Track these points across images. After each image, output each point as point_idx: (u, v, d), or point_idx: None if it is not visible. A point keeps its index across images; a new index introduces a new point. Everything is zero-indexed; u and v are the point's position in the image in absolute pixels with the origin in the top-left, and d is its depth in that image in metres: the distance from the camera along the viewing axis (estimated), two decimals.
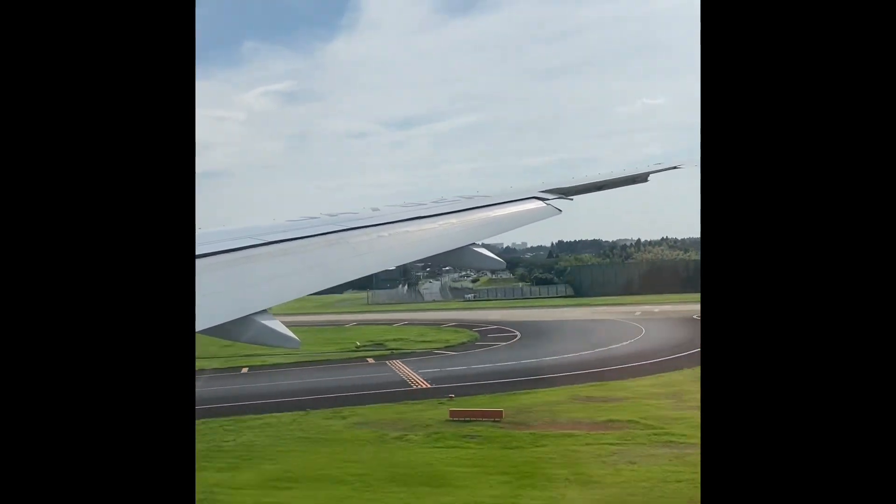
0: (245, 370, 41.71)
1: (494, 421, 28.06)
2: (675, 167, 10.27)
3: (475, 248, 6.41)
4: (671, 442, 24.77)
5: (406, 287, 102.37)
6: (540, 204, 8.35)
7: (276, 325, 3.74)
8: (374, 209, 6.53)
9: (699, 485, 1.54)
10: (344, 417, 29.93)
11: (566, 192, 8.87)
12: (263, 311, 3.77)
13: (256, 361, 42.35)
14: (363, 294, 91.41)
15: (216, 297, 3.74)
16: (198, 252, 4.06)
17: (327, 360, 44.85)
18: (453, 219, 6.80)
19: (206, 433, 27.28)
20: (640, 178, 9.93)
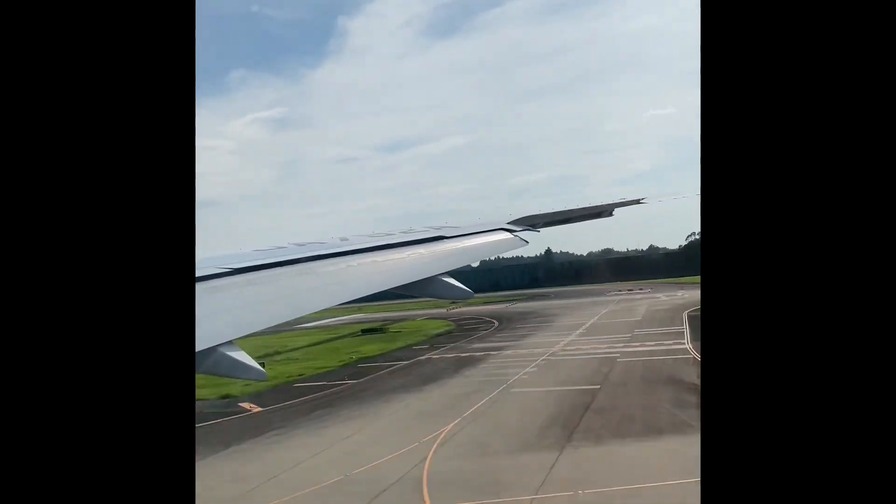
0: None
1: None
2: (638, 201, 10.48)
3: (443, 279, 6.42)
4: None
5: None
6: (507, 235, 8.43)
7: (242, 356, 3.67)
8: (343, 238, 6.50)
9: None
10: None
11: (533, 224, 8.98)
12: (228, 343, 3.70)
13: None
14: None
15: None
16: None
17: None
18: (422, 249, 6.81)
19: None
20: (606, 212, 10.11)
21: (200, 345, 3.58)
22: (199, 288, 4.20)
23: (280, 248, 5.60)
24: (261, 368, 3.75)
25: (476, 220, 8.95)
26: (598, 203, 10.25)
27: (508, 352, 45.08)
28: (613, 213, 10.36)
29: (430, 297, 6.49)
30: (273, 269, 4.82)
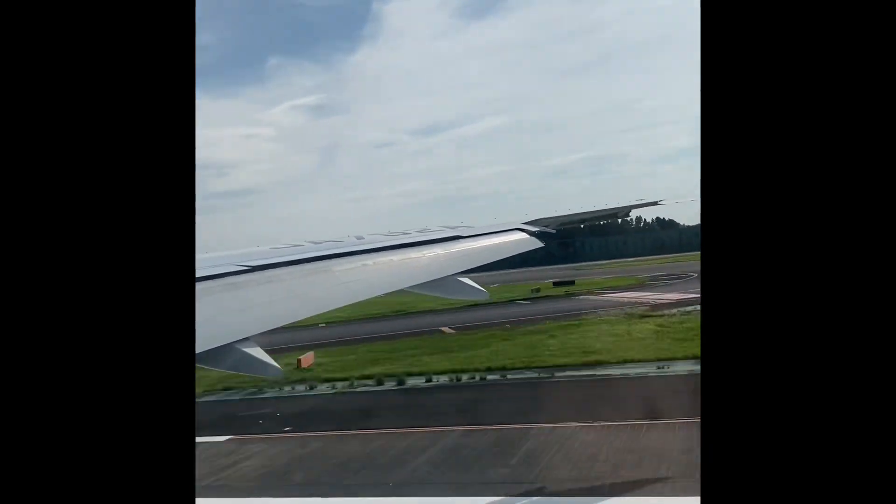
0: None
1: None
2: (655, 203, 10.42)
3: (459, 279, 6.42)
4: None
5: None
6: (523, 235, 8.41)
7: (258, 352, 3.70)
8: (359, 237, 6.52)
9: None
10: None
11: (548, 225, 8.95)
12: (245, 339, 3.72)
13: None
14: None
15: (197, 325, 3.69)
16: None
17: None
18: (438, 249, 6.81)
19: None
20: (623, 213, 10.06)
21: (217, 341, 3.61)
22: (217, 285, 4.23)
23: (296, 246, 5.64)
24: (276, 365, 3.78)
25: (494, 221, 8.93)
26: (618, 205, 10.20)
27: None
28: (630, 214, 10.30)
29: (446, 296, 6.49)
30: (289, 268, 4.85)
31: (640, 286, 51.49)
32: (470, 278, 6.55)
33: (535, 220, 8.85)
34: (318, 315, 4.49)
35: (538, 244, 8.48)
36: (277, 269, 4.72)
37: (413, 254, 6.44)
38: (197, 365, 3.63)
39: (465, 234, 7.46)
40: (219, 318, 3.88)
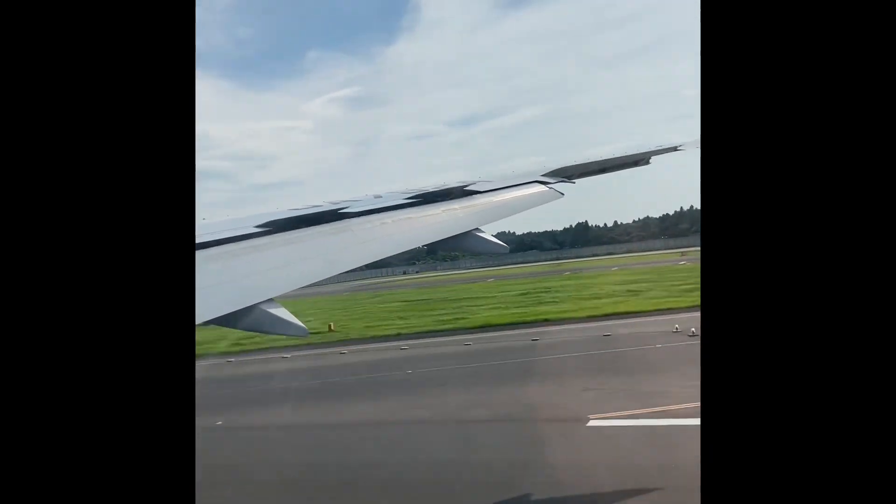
0: None
1: None
2: (675, 148, 10.23)
3: (478, 234, 6.42)
4: None
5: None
6: (542, 188, 8.34)
7: (283, 313, 3.76)
8: (377, 195, 6.53)
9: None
10: None
11: (568, 175, 8.85)
12: (269, 300, 3.79)
13: None
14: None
15: (221, 288, 3.75)
16: (201, 241, 4.07)
17: None
18: (455, 204, 6.79)
19: None
20: (643, 160, 9.90)
21: (241, 302, 3.68)
22: (238, 247, 4.29)
23: (315, 206, 5.67)
24: (301, 324, 3.84)
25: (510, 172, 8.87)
26: (635, 152, 10.03)
27: None
28: (651, 160, 10.14)
29: (466, 251, 6.50)
30: (309, 228, 4.89)
31: None
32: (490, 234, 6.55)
33: (554, 171, 8.76)
34: (339, 274, 4.54)
35: (558, 195, 8.40)
36: (297, 230, 4.76)
37: (431, 211, 6.43)
38: (225, 326, 3.71)
39: (483, 189, 7.42)
40: (242, 280, 3.94)
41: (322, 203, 5.87)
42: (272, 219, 4.76)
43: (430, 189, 6.84)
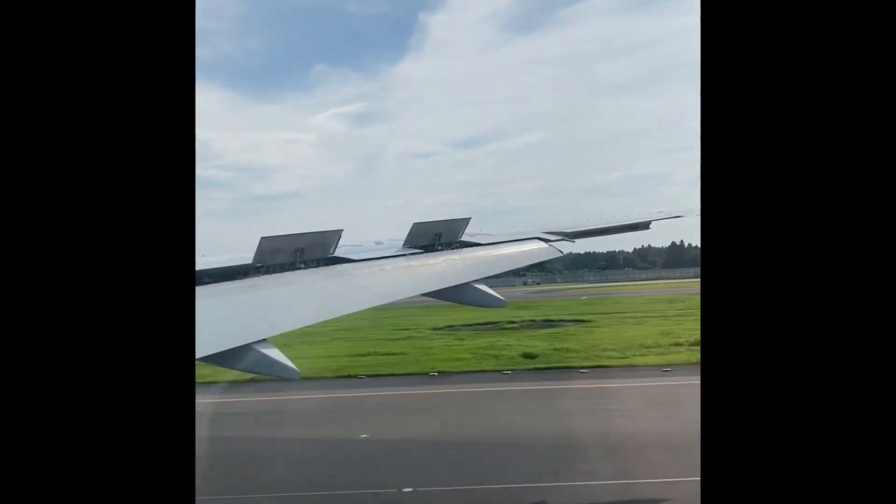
0: None
1: None
2: (678, 216, 10.33)
3: (476, 286, 6.40)
4: None
5: None
6: (542, 244, 8.38)
7: (276, 354, 3.71)
8: (378, 242, 6.53)
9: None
10: None
11: (568, 235, 8.91)
12: (263, 341, 3.74)
13: None
14: None
15: (215, 325, 3.70)
16: (198, 276, 4.04)
17: None
18: (455, 255, 6.80)
19: None
20: (643, 226, 9.99)
21: (234, 342, 3.63)
22: (235, 285, 4.25)
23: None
24: (293, 367, 3.78)
25: (513, 229, 8.91)
26: (638, 220, 10.13)
27: None
28: (650, 226, 10.23)
29: (463, 303, 6.47)
30: (309, 270, 4.87)
31: None
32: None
33: (556, 231, 8.82)
34: (335, 318, 4.50)
35: (557, 253, 8.44)
36: (296, 271, 4.74)
37: (431, 260, 6.43)
38: (214, 364, 3.65)
39: (484, 242, 7.44)
40: (238, 318, 3.89)
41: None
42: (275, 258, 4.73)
43: (433, 220, 6.81)
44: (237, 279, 4.32)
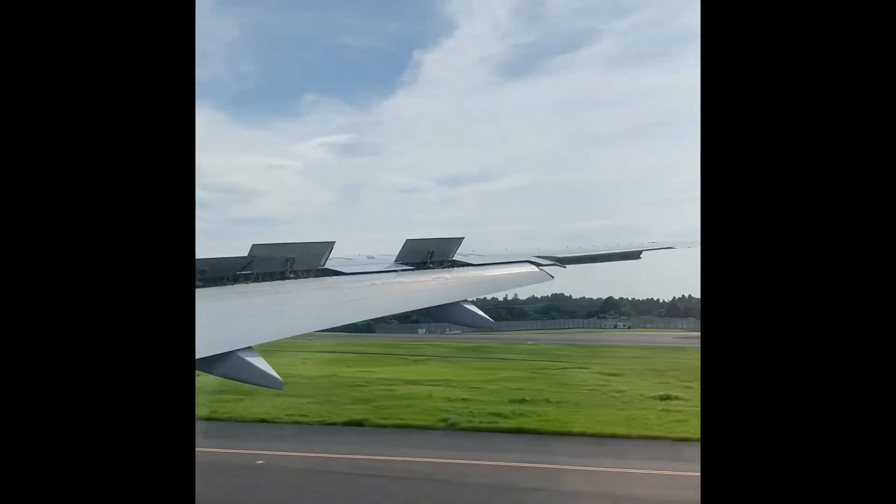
0: None
1: None
2: (669, 247, 10.37)
3: (465, 305, 6.37)
4: None
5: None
6: (533, 268, 8.36)
7: (260, 363, 3.64)
8: (370, 256, 6.50)
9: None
10: None
11: (560, 260, 8.91)
12: (248, 349, 3.67)
13: None
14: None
15: (200, 330, 3.64)
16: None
17: None
18: (447, 274, 6.77)
19: None
20: (633, 255, 10.01)
21: (220, 348, 3.56)
22: (224, 291, 4.20)
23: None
24: (278, 377, 3.71)
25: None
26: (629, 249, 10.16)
27: None
28: (641, 255, 10.26)
29: (452, 322, 6.43)
30: (298, 280, 4.82)
31: None
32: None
33: (547, 255, 8.82)
34: (324, 329, 4.45)
35: (548, 278, 8.42)
36: (286, 281, 4.69)
37: (421, 277, 6.40)
38: (197, 371, 3.58)
39: (475, 262, 7.42)
40: (225, 324, 3.83)
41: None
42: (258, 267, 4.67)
43: (426, 238, 6.79)
44: (225, 284, 4.26)
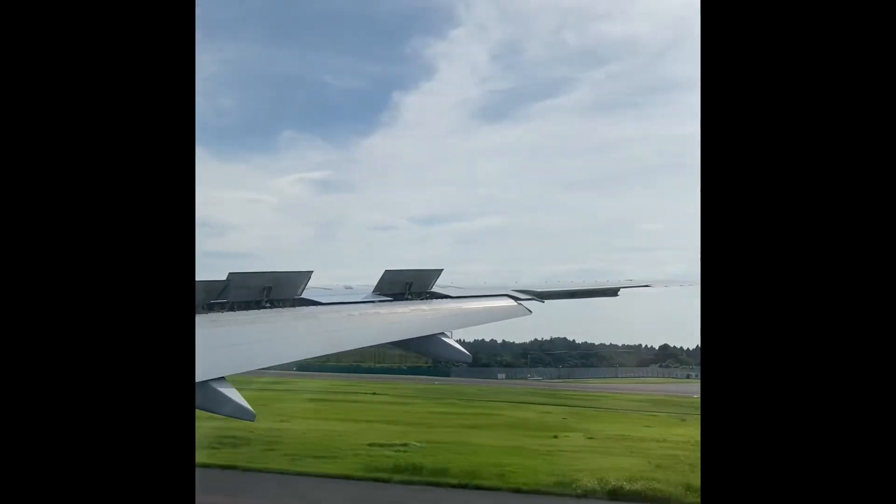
0: None
1: None
2: (646, 286, 10.47)
3: (443, 338, 6.33)
4: None
5: None
6: (511, 302, 8.36)
7: (233, 393, 3.58)
8: (348, 287, 6.46)
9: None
10: None
11: (539, 295, 8.93)
12: (221, 379, 3.61)
13: None
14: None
15: None
16: None
17: None
18: (425, 306, 6.75)
19: None
20: (611, 292, 10.08)
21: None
22: (200, 320, 4.14)
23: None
24: (250, 409, 3.65)
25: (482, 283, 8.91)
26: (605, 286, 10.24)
27: None
28: (619, 293, 10.33)
29: (429, 355, 6.39)
30: (275, 310, 4.77)
31: None
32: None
33: (526, 290, 8.84)
34: (299, 360, 4.39)
35: (526, 312, 8.42)
36: (263, 310, 4.64)
37: (400, 309, 6.37)
38: None
39: (454, 295, 7.41)
40: (198, 353, 3.77)
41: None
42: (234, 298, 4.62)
43: (405, 269, 6.76)
44: (199, 312, 4.20)
